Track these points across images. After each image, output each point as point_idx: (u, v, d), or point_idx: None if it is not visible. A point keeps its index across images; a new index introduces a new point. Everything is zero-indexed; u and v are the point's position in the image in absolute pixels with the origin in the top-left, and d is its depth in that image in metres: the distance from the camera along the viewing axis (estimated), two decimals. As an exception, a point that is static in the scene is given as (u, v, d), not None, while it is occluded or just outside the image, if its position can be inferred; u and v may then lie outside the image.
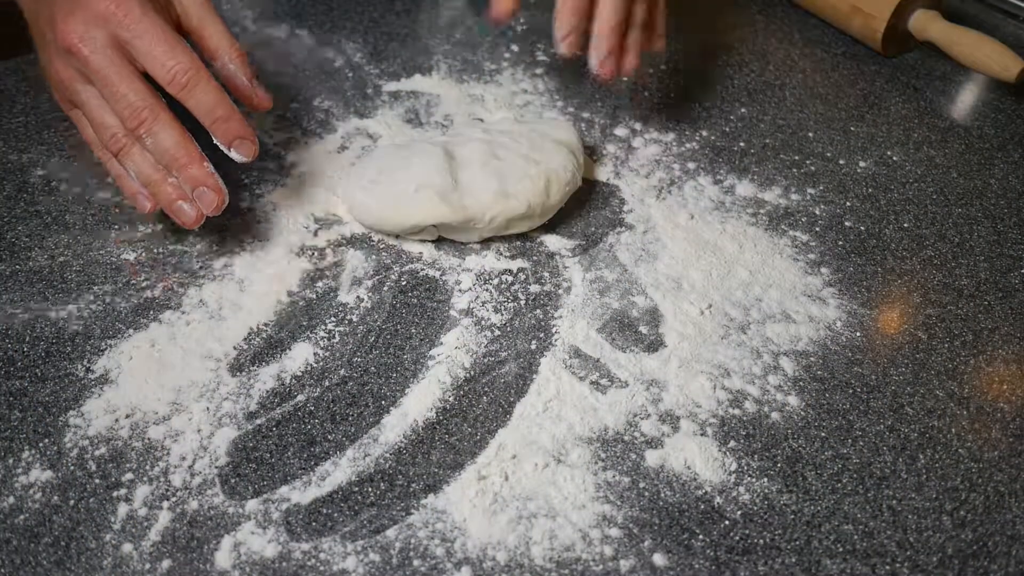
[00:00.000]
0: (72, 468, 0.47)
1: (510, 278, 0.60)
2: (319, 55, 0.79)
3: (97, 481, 0.46)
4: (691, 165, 0.70)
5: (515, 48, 0.81)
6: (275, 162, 0.67)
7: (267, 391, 0.51)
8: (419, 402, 0.51)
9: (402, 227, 0.60)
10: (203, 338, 0.54)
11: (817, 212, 0.66)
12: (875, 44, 0.82)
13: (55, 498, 0.45)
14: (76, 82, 0.54)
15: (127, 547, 0.44)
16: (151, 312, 0.55)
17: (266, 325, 0.55)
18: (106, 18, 0.51)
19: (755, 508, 0.47)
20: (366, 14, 0.85)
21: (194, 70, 0.52)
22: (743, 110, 0.76)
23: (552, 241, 0.63)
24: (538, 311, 0.57)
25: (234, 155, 0.55)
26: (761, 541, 0.46)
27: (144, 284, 0.57)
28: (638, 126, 0.73)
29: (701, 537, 0.46)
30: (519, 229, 0.62)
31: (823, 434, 0.51)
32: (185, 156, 0.53)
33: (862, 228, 0.65)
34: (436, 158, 0.60)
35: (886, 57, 0.83)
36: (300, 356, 0.53)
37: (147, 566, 0.43)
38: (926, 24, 0.80)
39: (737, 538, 0.46)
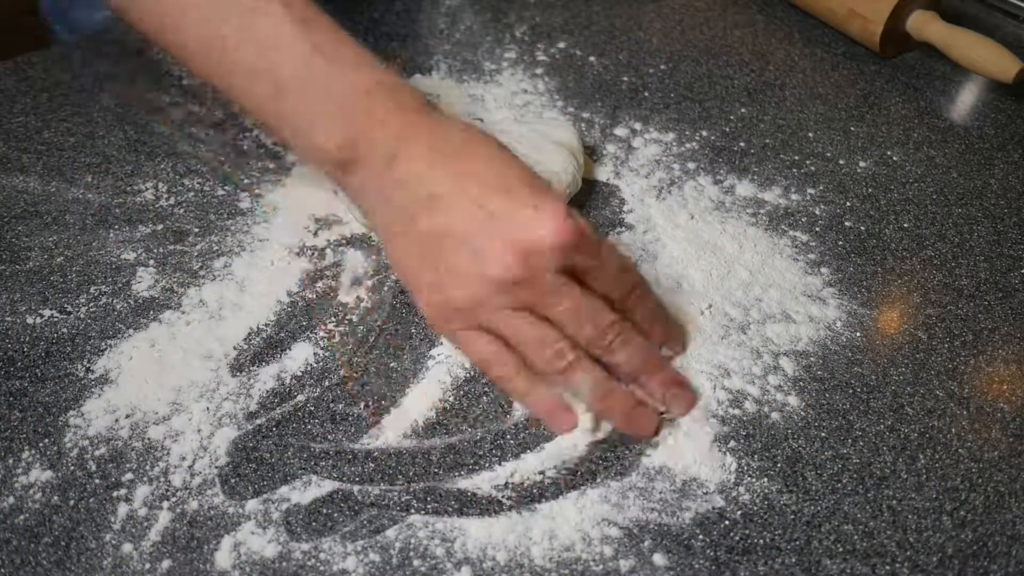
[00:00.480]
0: (72, 468, 0.47)
1: (510, 278, 0.59)
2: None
3: (97, 481, 0.46)
4: (691, 165, 0.70)
5: (515, 48, 0.81)
6: (275, 162, 0.67)
7: (267, 391, 0.51)
8: (419, 402, 0.51)
9: None
10: (203, 338, 0.54)
11: (817, 212, 0.66)
12: (873, 46, 0.82)
13: (55, 498, 0.45)
14: (504, 309, 0.45)
15: (127, 547, 0.44)
16: (151, 312, 0.55)
17: (266, 325, 0.55)
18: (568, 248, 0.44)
19: (755, 508, 0.47)
20: (366, 14, 0.85)
21: (622, 326, 0.46)
22: (743, 110, 0.76)
23: (552, 241, 0.63)
24: (538, 311, 0.57)
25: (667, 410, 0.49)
26: (761, 541, 0.46)
27: (144, 285, 0.57)
28: (638, 126, 0.73)
29: (701, 537, 0.46)
30: None
31: (823, 434, 0.51)
32: (657, 360, 0.49)
33: (862, 228, 0.65)
34: None
35: (885, 58, 0.83)
36: (300, 356, 0.53)
37: (147, 566, 0.43)
38: (924, 25, 0.80)
39: (737, 538, 0.46)
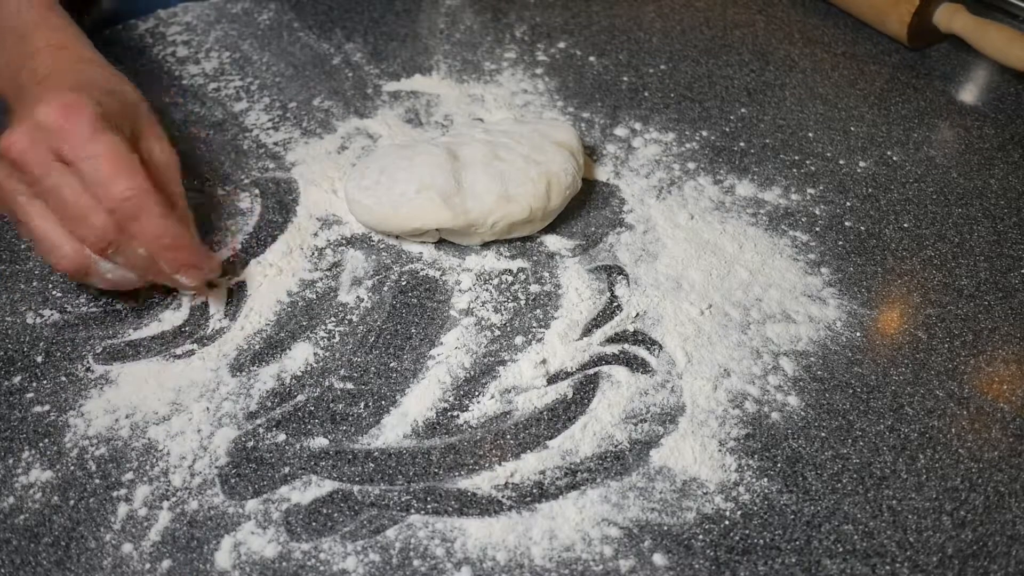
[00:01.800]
0: (72, 468, 0.47)
1: (510, 278, 0.60)
2: (319, 55, 0.79)
3: (97, 481, 0.46)
4: (691, 165, 0.70)
5: (515, 48, 0.81)
6: (275, 162, 0.67)
7: (267, 391, 0.51)
8: (419, 402, 0.51)
9: (403, 229, 0.60)
10: (203, 338, 0.54)
11: (817, 212, 0.66)
12: (902, 35, 0.83)
13: (55, 498, 0.45)
14: (18, 194, 0.49)
15: (127, 547, 0.44)
16: (151, 312, 0.55)
17: (266, 325, 0.55)
18: (52, 131, 0.48)
19: (755, 508, 0.47)
20: (366, 14, 0.85)
21: (140, 196, 0.49)
22: (743, 110, 0.76)
23: (552, 241, 0.63)
24: (538, 311, 0.57)
25: (181, 280, 0.52)
26: (761, 541, 0.46)
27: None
28: (638, 126, 0.73)
29: (701, 537, 0.46)
30: (520, 233, 0.62)
31: (823, 434, 0.51)
32: (162, 256, 0.51)
33: (862, 228, 0.65)
34: (439, 158, 0.60)
35: (911, 49, 0.84)
36: (300, 356, 0.53)
37: (147, 566, 0.43)
38: (951, 17, 0.81)
39: (737, 538, 0.46)
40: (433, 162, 0.60)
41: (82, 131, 0.48)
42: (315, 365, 0.53)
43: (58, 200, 0.48)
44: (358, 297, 0.57)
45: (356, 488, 0.47)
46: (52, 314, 0.55)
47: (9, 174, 0.49)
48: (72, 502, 0.45)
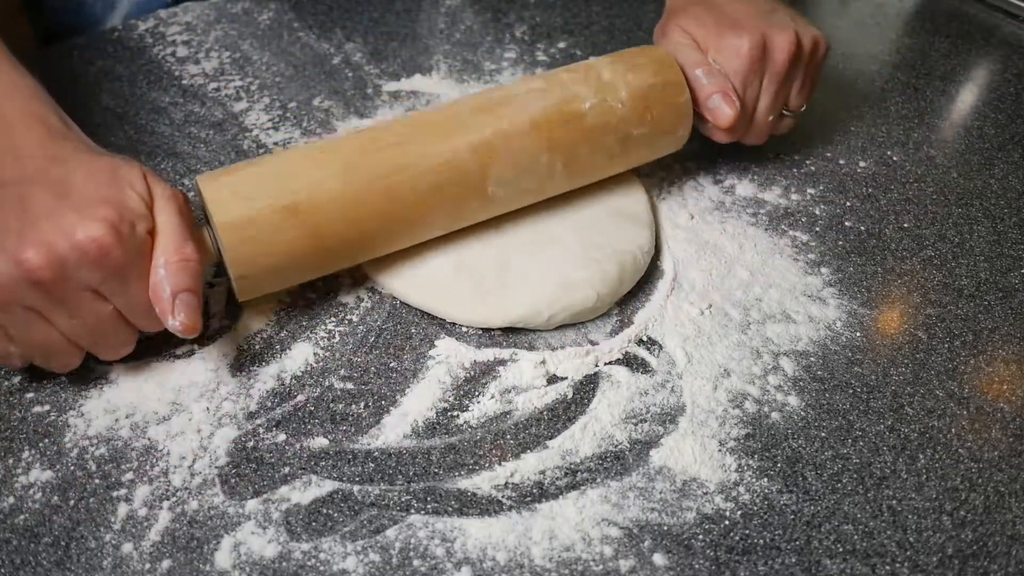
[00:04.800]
0: (72, 468, 0.47)
1: (510, 278, 0.59)
2: (319, 55, 0.79)
3: (97, 481, 0.46)
4: (691, 165, 0.70)
5: (515, 48, 0.81)
6: (275, 162, 0.67)
7: (267, 391, 0.51)
8: (419, 402, 0.51)
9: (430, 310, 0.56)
10: (203, 338, 0.54)
11: (817, 212, 0.66)
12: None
13: (55, 498, 0.45)
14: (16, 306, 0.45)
15: (127, 547, 0.44)
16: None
17: (266, 325, 0.55)
18: (89, 263, 0.45)
19: (755, 508, 0.47)
20: (366, 14, 0.85)
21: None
22: (743, 110, 0.76)
23: (552, 241, 0.62)
24: (538, 311, 0.57)
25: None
26: (761, 541, 0.46)
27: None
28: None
29: (701, 537, 0.46)
30: (583, 319, 0.56)
31: (823, 434, 0.51)
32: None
33: (862, 228, 0.65)
34: (473, 250, 0.56)
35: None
36: (300, 356, 0.53)
37: (147, 566, 0.43)
38: None
39: (737, 538, 0.46)
40: (467, 253, 0.56)
41: (122, 271, 0.45)
42: (315, 365, 0.53)
43: (82, 322, 0.46)
44: (358, 297, 0.57)
45: (356, 488, 0.47)
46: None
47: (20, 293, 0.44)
48: (72, 502, 0.45)
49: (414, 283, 0.56)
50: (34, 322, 0.46)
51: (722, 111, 0.60)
